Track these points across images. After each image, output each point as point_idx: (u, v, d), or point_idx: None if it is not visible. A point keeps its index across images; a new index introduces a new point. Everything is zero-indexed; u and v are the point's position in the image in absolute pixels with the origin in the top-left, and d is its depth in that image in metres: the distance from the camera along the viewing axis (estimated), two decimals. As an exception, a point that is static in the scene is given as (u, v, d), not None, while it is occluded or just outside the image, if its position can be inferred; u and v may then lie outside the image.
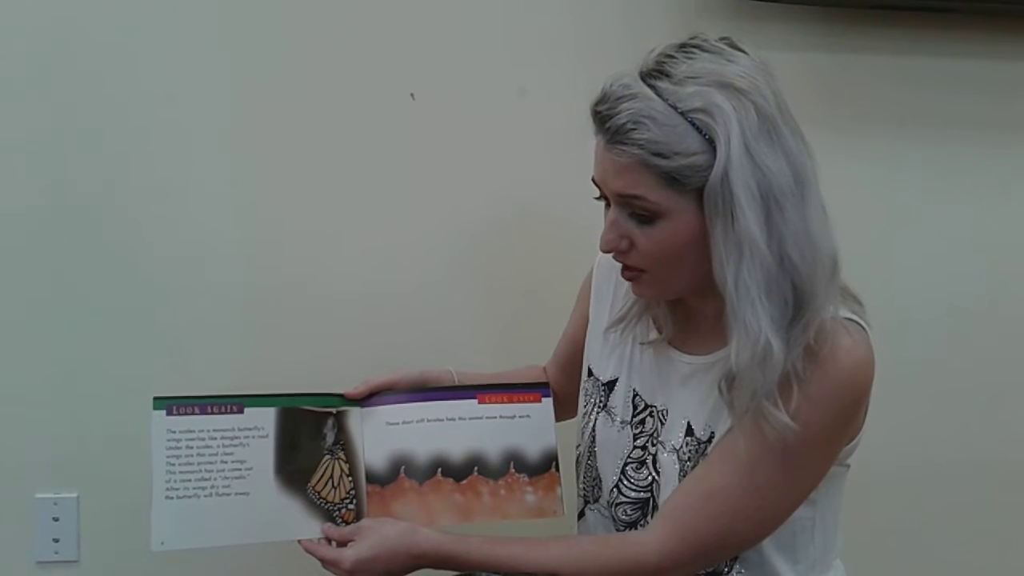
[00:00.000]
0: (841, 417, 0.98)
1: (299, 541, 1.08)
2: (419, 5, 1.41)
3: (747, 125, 0.91)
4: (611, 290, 1.13)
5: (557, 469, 1.14)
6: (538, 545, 1.03)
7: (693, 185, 0.92)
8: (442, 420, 1.13)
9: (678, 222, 0.95)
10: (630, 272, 1.02)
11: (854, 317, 0.99)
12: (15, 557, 1.46)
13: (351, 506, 1.10)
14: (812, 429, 0.96)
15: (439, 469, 1.12)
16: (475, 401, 1.14)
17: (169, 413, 1.07)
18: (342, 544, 1.06)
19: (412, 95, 1.43)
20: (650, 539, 1.01)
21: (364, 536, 1.04)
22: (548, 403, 1.15)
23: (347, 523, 1.10)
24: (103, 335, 1.42)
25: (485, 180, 1.45)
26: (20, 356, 1.42)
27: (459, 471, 1.12)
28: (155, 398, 1.07)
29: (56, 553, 1.46)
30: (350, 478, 1.11)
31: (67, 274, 1.41)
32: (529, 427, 1.14)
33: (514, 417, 1.14)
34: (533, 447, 1.14)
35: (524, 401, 1.15)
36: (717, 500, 0.99)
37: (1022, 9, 1.42)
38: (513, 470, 1.13)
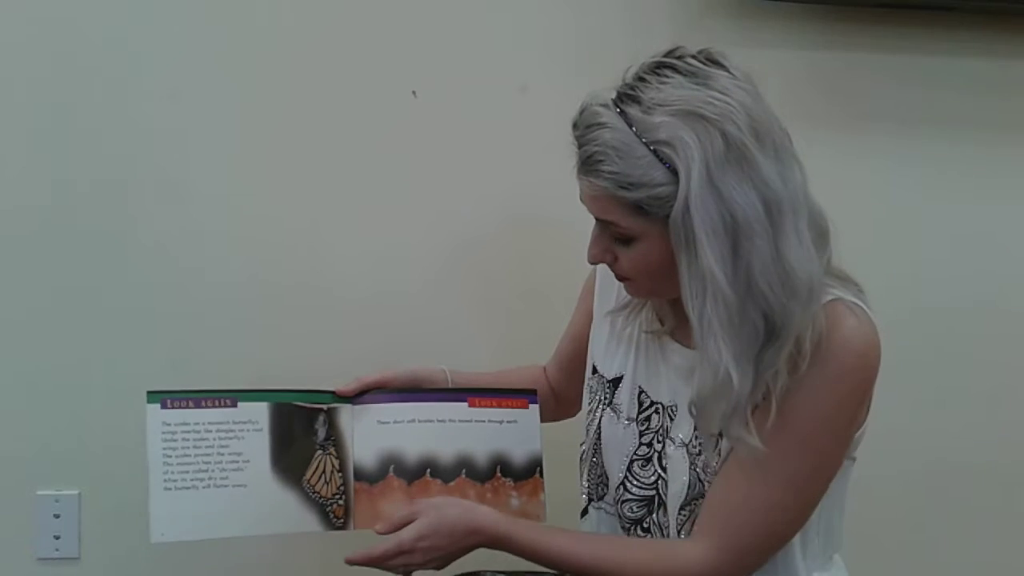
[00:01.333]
0: (856, 395, 1.00)
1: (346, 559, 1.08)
2: (421, 3, 1.41)
3: (712, 156, 0.91)
4: (615, 288, 1.14)
5: (541, 475, 1.16)
6: (588, 542, 1.07)
7: (660, 214, 0.95)
8: (432, 421, 1.15)
9: (651, 245, 0.98)
10: (620, 278, 1.06)
11: (858, 301, 1.01)
12: (16, 554, 1.48)
13: (341, 502, 1.13)
14: (829, 410, 0.99)
15: (428, 470, 1.14)
16: (465, 404, 1.16)
17: (163, 406, 1.09)
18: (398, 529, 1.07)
19: (414, 92, 1.43)
20: (697, 554, 1.03)
21: (423, 514, 1.05)
22: (535, 409, 1.17)
23: (338, 518, 1.12)
24: (104, 333, 1.44)
25: (486, 178, 1.46)
26: (22, 354, 1.45)
27: (447, 473, 1.15)
28: (149, 392, 1.09)
29: (57, 550, 1.48)
30: (340, 474, 1.13)
31: (68, 272, 1.43)
32: (516, 432, 1.16)
33: (502, 422, 1.16)
34: (519, 452, 1.16)
35: (512, 406, 1.17)
36: (753, 505, 1.01)
37: (1022, 7, 1.42)
38: (499, 474, 1.16)
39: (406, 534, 1.04)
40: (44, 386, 1.45)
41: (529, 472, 1.16)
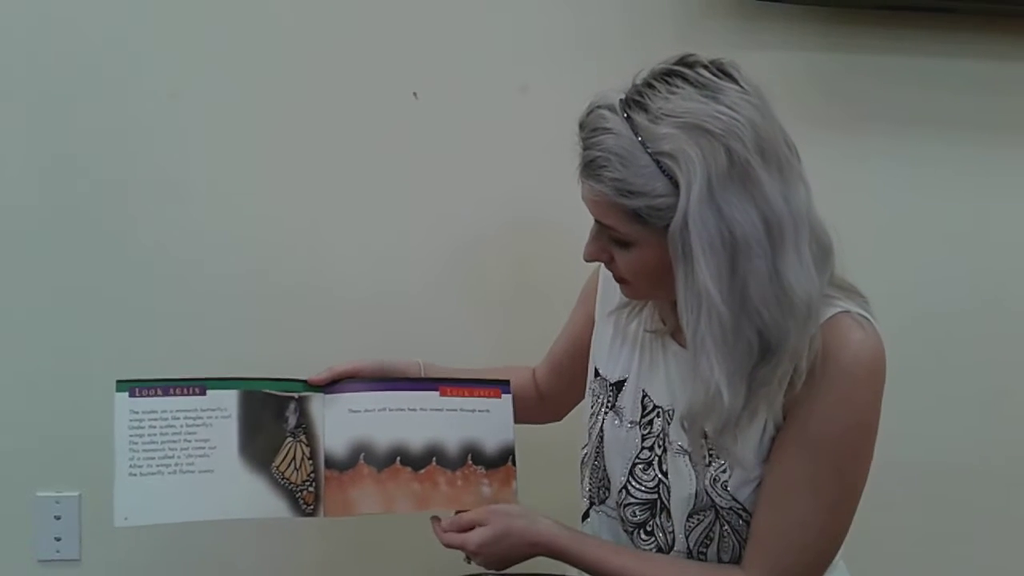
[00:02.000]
0: (872, 407, 1.01)
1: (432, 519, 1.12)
2: (421, 4, 1.41)
3: (715, 172, 0.91)
4: (618, 289, 1.13)
5: (514, 463, 1.18)
6: (649, 562, 1.08)
7: (659, 224, 0.95)
8: (403, 410, 1.17)
9: (648, 252, 0.99)
10: (616, 278, 1.07)
11: (864, 313, 1.01)
12: (16, 556, 1.50)
13: (311, 488, 1.14)
14: (850, 427, 1.00)
15: (398, 458, 1.16)
16: (437, 393, 1.18)
17: (132, 395, 1.11)
18: (466, 530, 1.10)
19: (415, 94, 1.43)
20: None
21: (490, 522, 1.08)
22: (508, 399, 1.18)
23: (308, 504, 1.14)
24: (105, 334, 1.45)
25: (487, 179, 1.47)
26: (22, 354, 1.46)
27: (418, 461, 1.16)
28: (118, 381, 1.11)
29: (58, 552, 1.49)
30: (311, 461, 1.15)
31: (69, 273, 1.45)
32: (488, 421, 1.17)
33: (474, 411, 1.18)
34: (491, 441, 1.17)
35: (484, 396, 1.18)
36: (798, 533, 1.02)
37: (1023, 9, 1.42)
38: (471, 462, 1.17)
39: (471, 538, 1.07)
40: (44, 387, 1.46)
41: (501, 460, 1.17)
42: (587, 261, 1.06)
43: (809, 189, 0.96)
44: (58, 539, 1.47)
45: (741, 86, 0.95)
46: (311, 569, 1.52)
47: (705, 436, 1.02)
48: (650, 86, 0.95)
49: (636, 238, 0.98)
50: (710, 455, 1.05)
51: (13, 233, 1.42)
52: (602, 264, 1.14)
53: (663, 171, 0.93)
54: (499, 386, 1.19)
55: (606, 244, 1.02)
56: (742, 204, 0.92)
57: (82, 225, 1.43)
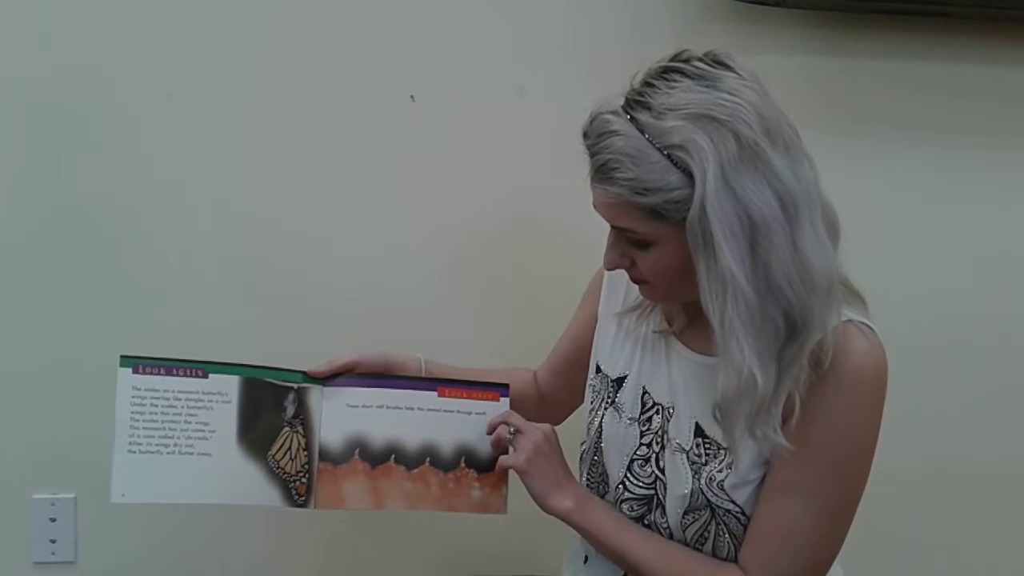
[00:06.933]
0: (874, 416, 1.03)
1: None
2: (419, 7, 1.43)
3: (726, 157, 0.94)
4: (623, 288, 1.17)
5: None
6: (657, 544, 1.09)
7: (677, 218, 0.98)
8: (401, 408, 1.19)
9: (669, 249, 1.02)
10: (637, 281, 1.10)
11: (866, 321, 1.05)
12: (12, 558, 1.53)
13: (304, 480, 1.17)
14: (852, 435, 1.02)
15: (392, 455, 1.18)
16: (435, 394, 1.20)
17: (135, 371, 1.13)
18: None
19: (412, 97, 1.44)
20: None
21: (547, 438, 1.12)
22: (505, 403, 1.21)
23: (300, 495, 1.17)
24: (102, 335, 1.48)
25: (485, 181, 1.50)
26: (18, 355, 1.50)
27: (411, 460, 1.19)
28: (122, 356, 1.14)
29: (53, 554, 1.52)
30: (306, 452, 1.18)
31: (66, 274, 1.48)
32: (484, 424, 1.20)
33: (471, 413, 1.20)
34: (485, 445, 1.19)
35: (482, 399, 1.20)
36: (795, 536, 1.05)
37: (1021, 14, 1.45)
38: (464, 465, 1.19)
39: (534, 432, 1.09)
40: (40, 388, 1.49)
41: (494, 465, 1.19)
42: (608, 270, 1.10)
43: (815, 166, 0.99)
44: (53, 541, 1.50)
45: (738, 73, 0.98)
46: (308, 573, 1.53)
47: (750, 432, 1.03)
48: (649, 85, 0.98)
49: (655, 236, 1.00)
50: (707, 454, 1.07)
51: (11, 233, 1.45)
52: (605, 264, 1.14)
53: (675, 164, 0.95)
54: (498, 389, 1.21)
55: (625, 249, 1.05)
56: (756, 185, 0.94)
57: (79, 226, 1.46)
